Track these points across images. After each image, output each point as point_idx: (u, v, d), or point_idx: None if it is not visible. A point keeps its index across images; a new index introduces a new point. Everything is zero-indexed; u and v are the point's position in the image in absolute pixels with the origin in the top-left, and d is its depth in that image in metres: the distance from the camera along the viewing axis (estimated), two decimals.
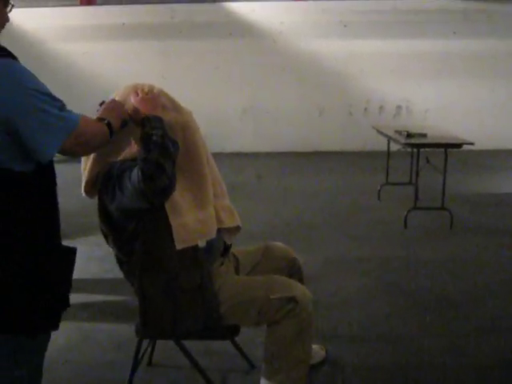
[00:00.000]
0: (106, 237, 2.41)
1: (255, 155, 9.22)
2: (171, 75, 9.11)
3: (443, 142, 5.45)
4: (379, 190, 6.44)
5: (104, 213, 2.32)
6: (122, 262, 2.40)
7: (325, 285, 4.07)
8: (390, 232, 5.38)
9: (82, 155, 2.22)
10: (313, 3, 9.00)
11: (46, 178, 1.87)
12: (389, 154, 6.43)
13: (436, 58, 9.32)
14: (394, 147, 6.35)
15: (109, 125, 2.01)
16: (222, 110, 9.44)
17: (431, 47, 9.34)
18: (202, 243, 2.32)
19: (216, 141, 9.41)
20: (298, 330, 2.35)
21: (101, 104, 2.19)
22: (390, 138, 6.02)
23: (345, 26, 9.24)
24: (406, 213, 5.48)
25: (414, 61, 9.13)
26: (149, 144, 2.11)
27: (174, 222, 2.26)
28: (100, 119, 2.03)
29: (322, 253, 4.78)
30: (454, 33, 9.42)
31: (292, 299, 2.33)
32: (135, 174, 2.08)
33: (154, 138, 2.11)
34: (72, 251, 1.95)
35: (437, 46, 9.37)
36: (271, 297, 2.34)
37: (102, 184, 2.29)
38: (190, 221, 2.29)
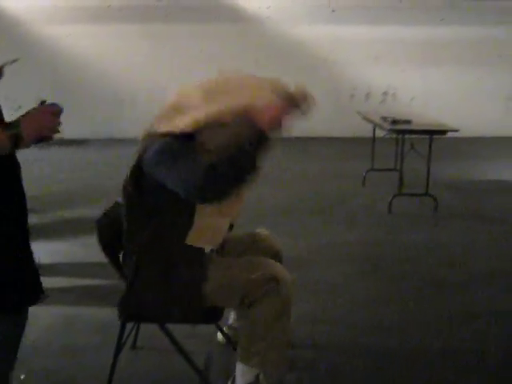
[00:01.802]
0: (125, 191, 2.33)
1: None
2: (157, 59, 9.05)
3: (428, 128, 5.49)
4: (364, 176, 6.46)
5: (137, 173, 2.25)
6: (129, 223, 2.36)
7: (310, 270, 4.10)
8: (374, 217, 5.42)
9: None
10: None
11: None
12: (374, 140, 6.45)
13: (423, 45, 9.32)
14: (380, 133, 6.38)
15: (18, 136, 1.79)
16: None
17: (418, 34, 9.34)
18: (207, 249, 2.37)
19: None
20: (278, 309, 2.31)
21: (42, 102, 1.90)
22: (375, 125, 6.04)
23: (333, 10, 9.19)
24: (390, 198, 5.52)
25: (401, 47, 9.12)
26: (238, 162, 2.07)
27: (197, 221, 2.27)
28: (9, 125, 1.81)
29: (308, 238, 4.81)
30: (442, 20, 9.42)
31: (273, 278, 2.31)
32: (195, 169, 2.03)
33: (243, 161, 2.08)
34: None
35: (424, 32, 9.36)
36: (252, 276, 2.32)
37: (160, 149, 2.15)
38: (207, 225, 2.31)
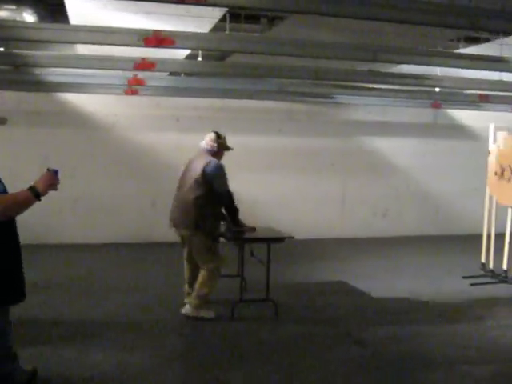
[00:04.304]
0: None
1: (87, 247, 9.00)
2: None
3: (266, 236, 5.78)
4: None
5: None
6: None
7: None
8: (218, 325, 5.48)
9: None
10: (147, 97, 9.23)
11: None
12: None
13: (263, 154, 9.95)
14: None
15: (36, 192, 3.47)
16: (52, 200, 9.08)
17: (259, 143, 9.98)
18: None
19: (47, 232, 9.09)
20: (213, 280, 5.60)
21: (48, 169, 3.59)
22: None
23: (177, 120, 9.58)
24: (233, 305, 5.65)
25: (243, 156, 9.59)
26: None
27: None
28: (30, 187, 3.48)
29: (147, 350, 4.74)
30: (280, 130, 10.16)
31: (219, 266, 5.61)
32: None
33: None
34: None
35: (264, 142, 10.03)
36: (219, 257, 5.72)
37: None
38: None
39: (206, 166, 5.58)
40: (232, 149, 5.88)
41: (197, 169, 5.63)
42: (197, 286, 5.63)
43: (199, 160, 5.72)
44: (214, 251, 5.63)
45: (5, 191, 3.50)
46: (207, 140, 5.78)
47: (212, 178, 5.56)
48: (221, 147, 5.78)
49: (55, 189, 3.59)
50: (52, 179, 3.56)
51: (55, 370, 4.29)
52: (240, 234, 5.69)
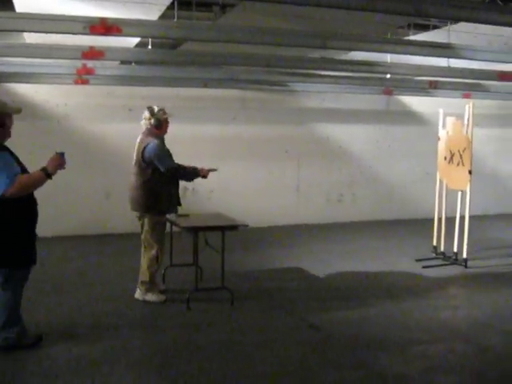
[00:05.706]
0: None
1: (40, 240, 8.78)
2: None
3: (219, 224, 5.77)
4: (163, 273, 6.52)
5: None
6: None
7: (106, 375, 3.98)
8: (173, 314, 5.47)
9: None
10: (98, 87, 9.06)
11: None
12: (172, 236, 6.57)
13: (218, 142, 9.91)
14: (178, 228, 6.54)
15: (47, 172, 4.14)
16: None
17: (213, 132, 9.94)
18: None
19: None
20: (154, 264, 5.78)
21: (56, 152, 4.19)
22: (171, 222, 6.19)
23: (130, 109, 9.44)
24: (188, 295, 5.63)
25: (198, 144, 9.59)
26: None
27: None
28: (42, 168, 4.13)
29: (104, 342, 4.70)
30: (234, 118, 10.14)
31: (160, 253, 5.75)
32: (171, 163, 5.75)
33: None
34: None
35: (218, 130, 9.99)
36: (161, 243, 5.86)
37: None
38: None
39: (145, 149, 5.65)
40: (173, 115, 5.95)
41: (138, 153, 5.73)
42: (140, 272, 5.88)
43: (140, 143, 5.78)
44: (158, 236, 5.77)
45: (25, 171, 4.18)
46: (143, 119, 5.84)
47: (152, 159, 5.62)
48: (159, 122, 5.79)
49: (63, 168, 4.16)
50: (59, 160, 4.13)
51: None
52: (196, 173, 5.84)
